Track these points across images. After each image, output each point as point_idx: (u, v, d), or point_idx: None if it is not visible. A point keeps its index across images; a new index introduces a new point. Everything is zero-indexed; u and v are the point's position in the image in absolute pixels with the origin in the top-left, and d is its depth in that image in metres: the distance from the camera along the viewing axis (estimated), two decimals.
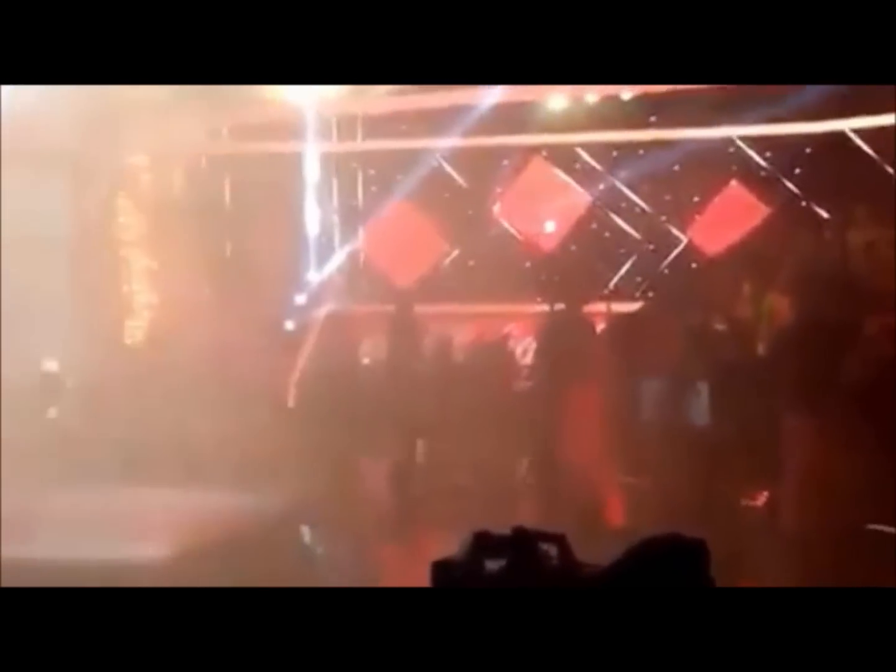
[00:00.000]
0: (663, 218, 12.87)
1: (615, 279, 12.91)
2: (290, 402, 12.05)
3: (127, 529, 9.45)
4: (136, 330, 13.73)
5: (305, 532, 10.66)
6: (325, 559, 9.84)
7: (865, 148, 11.95)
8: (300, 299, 13.20)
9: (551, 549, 3.01)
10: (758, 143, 12.43)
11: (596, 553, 3.03)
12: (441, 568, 2.98)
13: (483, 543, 2.98)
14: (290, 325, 12.93)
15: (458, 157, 13.00)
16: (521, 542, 2.98)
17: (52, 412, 12.23)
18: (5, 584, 3.47)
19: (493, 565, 2.96)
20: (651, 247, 12.90)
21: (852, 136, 11.92)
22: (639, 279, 12.90)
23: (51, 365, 12.74)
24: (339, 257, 13.47)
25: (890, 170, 11.85)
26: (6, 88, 10.87)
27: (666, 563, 2.87)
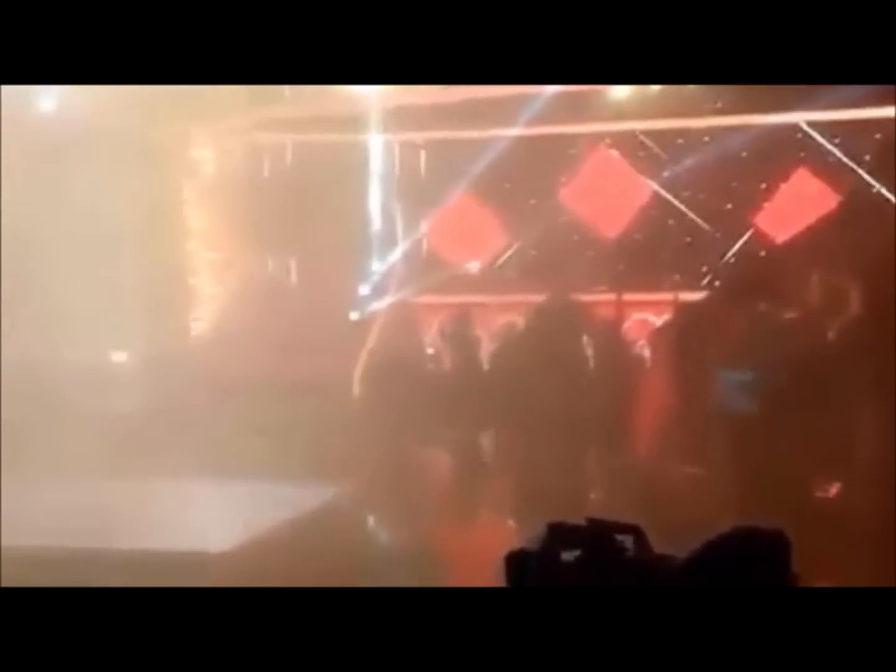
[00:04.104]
0: (729, 206, 12.73)
1: (680, 268, 12.80)
2: (355, 394, 12.07)
3: (193, 522, 9.51)
4: (200, 322, 13.83)
5: (370, 522, 10.68)
6: (390, 552, 9.83)
7: None
8: (364, 290, 13.22)
9: (626, 541, 2.97)
10: (826, 128, 12.26)
11: (666, 545, 2.99)
12: (515, 560, 2.94)
13: (558, 534, 2.94)
14: (354, 315, 12.96)
15: (521, 146, 12.94)
16: (597, 534, 2.94)
17: (119, 404, 12.34)
18: (90, 578, 3.48)
19: (568, 556, 2.92)
20: (717, 235, 12.78)
21: None
22: (704, 268, 12.78)
23: (118, 356, 12.87)
24: (402, 248, 13.46)
25: None
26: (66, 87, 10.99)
27: (746, 556, 2.82)
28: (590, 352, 11.66)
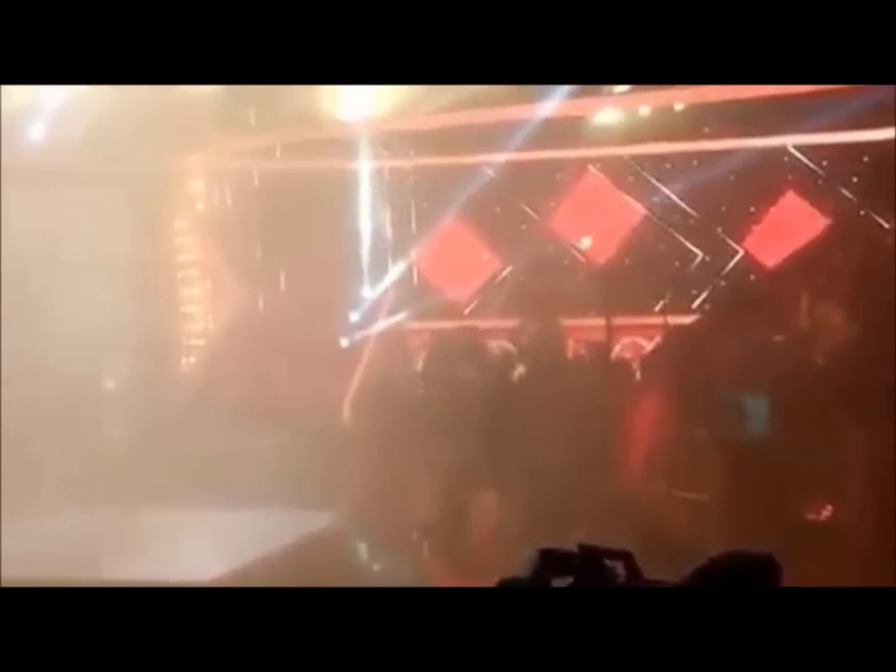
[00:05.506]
0: (719, 229, 12.76)
1: (670, 292, 12.79)
2: (346, 420, 12.05)
3: (181, 551, 9.47)
4: (191, 350, 13.81)
5: (361, 549, 10.64)
6: (379, 576, 9.80)
7: None
8: (355, 317, 13.22)
9: (617, 567, 2.97)
10: (814, 151, 12.30)
11: (657, 571, 2.98)
12: (507, 586, 2.94)
13: (549, 560, 2.93)
14: (345, 342, 12.96)
15: (511, 172, 12.97)
16: (588, 559, 2.93)
17: (111, 431, 12.31)
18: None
19: (559, 583, 2.92)
20: (707, 258, 12.80)
21: None
22: (694, 292, 12.79)
23: (109, 384, 12.85)
24: (392, 274, 13.47)
25: None
26: (73, 109, 11.02)
27: (737, 581, 2.81)
28: (579, 376, 11.66)
